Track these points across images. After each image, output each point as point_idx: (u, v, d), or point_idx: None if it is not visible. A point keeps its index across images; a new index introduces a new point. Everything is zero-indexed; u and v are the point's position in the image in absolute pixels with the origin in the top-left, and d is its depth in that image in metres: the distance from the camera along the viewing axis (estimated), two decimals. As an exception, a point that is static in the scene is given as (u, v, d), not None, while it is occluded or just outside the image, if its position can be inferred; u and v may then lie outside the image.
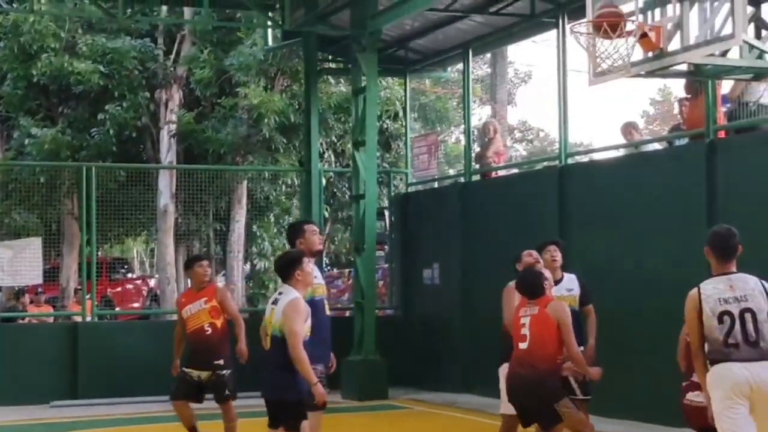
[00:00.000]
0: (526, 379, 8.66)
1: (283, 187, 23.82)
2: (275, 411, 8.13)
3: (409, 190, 19.88)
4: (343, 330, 16.98)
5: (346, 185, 23.78)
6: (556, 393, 8.68)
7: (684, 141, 13.73)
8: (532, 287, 8.95)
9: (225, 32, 23.43)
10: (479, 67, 41.41)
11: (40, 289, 20.95)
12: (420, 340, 17.92)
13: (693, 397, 7.73)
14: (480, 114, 39.05)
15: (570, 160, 15.45)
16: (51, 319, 20.01)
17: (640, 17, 9.46)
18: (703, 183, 12.33)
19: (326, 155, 24.13)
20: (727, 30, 8.91)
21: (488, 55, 32.49)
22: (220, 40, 23.56)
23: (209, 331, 10.53)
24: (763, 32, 9.80)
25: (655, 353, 11.82)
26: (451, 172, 28.95)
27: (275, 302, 8.12)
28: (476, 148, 18.35)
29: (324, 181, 20.32)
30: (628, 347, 12.76)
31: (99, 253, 23.56)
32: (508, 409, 9.52)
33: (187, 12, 22.63)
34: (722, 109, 12.80)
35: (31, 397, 15.83)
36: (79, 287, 20.62)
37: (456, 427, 14.09)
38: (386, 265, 21.34)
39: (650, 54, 9.44)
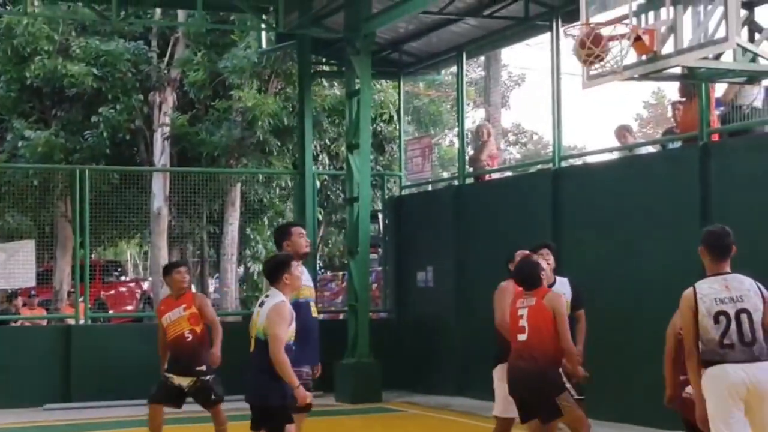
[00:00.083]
0: (526, 372, 8.63)
1: (277, 189, 23.79)
2: (258, 415, 8.09)
3: (403, 193, 19.89)
4: (337, 333, 17.00)
5: (340, 188, 23.76)
6: (558, 385, 8.66)
7: (677, 144, 13.75)
8: (530, 278, 8.94)
9: (219, 35, 23.40)
10: (473, 70, 41.40)
11: (33, 292, 20.91)
12: (414, 343, 17.91)
13: (691, 390, 7.70)
14: (474, 117, 39.07)
15: (564, 163, 15.46)
16: (44, 322, 19.97)
17: (634, 20, 9.48)
18: (696, 186, 12.34)
19: (320, 158, 24.12)
20: (721, 33, 8.94)
21: (482, 58, 32.48)
22: (214, 42, 23.53)
23: (190, 338, 10.47)
24: (757, 35, 9.83)
25: (648, 355, 11.80)
26: (445, 175, 28.95)
27: (261, 304, 8.09)
28: (470, 151, 18.37)
29: (318, 184, 20.32)
30: (622, 349, 12.77)
31: (92, 255, 23.51)
32: (502, 411, 9.52)
33: (181, 14, 22.61)
34: (716, 113, 12.82)
35: (24, 400, 15.81)
36: (72, 290, 20.57)
37: (449, 430, 14.09)
38: (380, 268, 21.34)
39: (644, 57, 9.46)
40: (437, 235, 17.67)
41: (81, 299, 17.26)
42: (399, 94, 20.85)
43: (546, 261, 9.72)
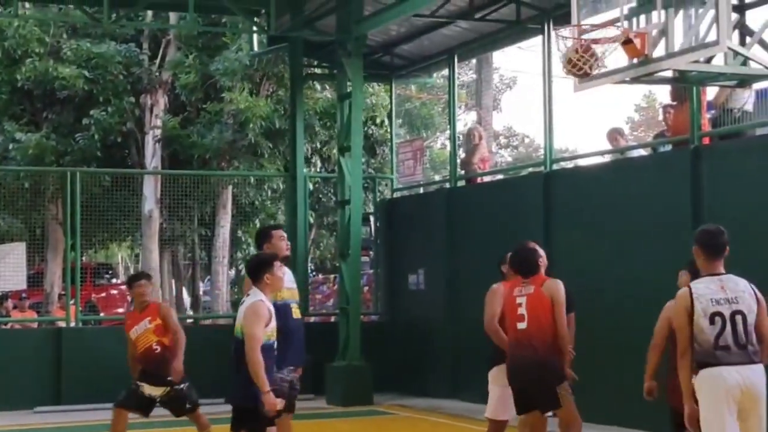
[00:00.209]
0: (526, 360, 8.58)
1: (269, 192, 23.80)
2: (237, 415, 8.06)
3: (395, 195, 19.88)
4: (329, 336, 17.00)
5: (332, 191, 23.77)
6: (558, 375, 8.61)
7: (669, 147, 13.76)
8: (526, 263, 8.88)
9: (210, 37, 23.41)
10: (465, 72, 41.42)
11: (24, 295, 20.89)
12: (405, 346, 17.91)
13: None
14: (465, 120, 39.05)
15: (555, 166, 15.46)
16: (35, 325, 19.93)
17: (626, 23, 9.49)
18: (687, 189, 12.36)
19: (313, 160, 24.12)
20: (712, 37, 8.96)
21: (474, 61, 32.52)
22: (206, 45, 23.54)
23: (158, 349, 10.38)
24: (748, 39, 9.84)
25: (640, 358, 11.81)
26: (437, 177, 28.93)
27: (242, 303, 8.11)
28: (461, 154, 18.37)
29: (311, 186, 20.31)
30: (612, 352, 12.77)
31: (83, 258, 23.46)
32: (495, 413, 9.49)
33: (173, 17, 22.59)
34: (707, 116, 12.84)
35: (14, 403, 15.76)
36: (63, 292, 20.56)
37: (441, 432, 14.10)
38: (371, 271, 21.33)
39: (635, 60, 9.47)
40: (429, 237, 17.67)
41: (72, 302, 17.23)
42: (390, 96, 20.83)
43: None
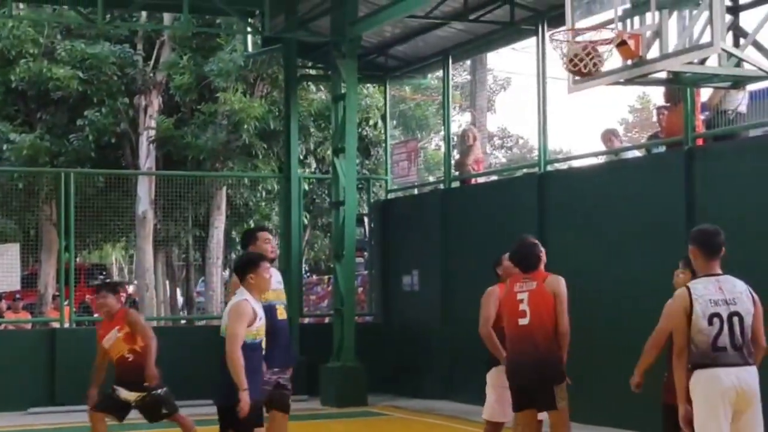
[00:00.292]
0: (527, 358, 8.52)
1: (263, 193, 23.80)
2: (221, 415, 8.06)
3: (389, 196, 19.89)
4: (323, 337, 17.01)
5: (326, 192, 23.77)
6: (558, 374, 8.55)
7: (662, 148, 13.78)
8: (527, 258, 8.82)
9: (205, 38, 23.40)
10: (459, 74, 41.46)
11: (17, 296, 20.84)
12: (399, 347, 17.91)
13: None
14: (459, 121, 39.14)
15: (549, 167, 15.47)
16: (29, 326, 19.91)
17: (620, 25, 9.50)
18: (681, 190, 12.37)
19: (308, 161, 24.12)
20: (706, 38, 8.96)
21: (468, 62, 32.54)
22: (200, 46, 23.53)
23: (131, 357, 10.29)
24: (742, 40, 9.85)
25: (635, 358, 11.83)
26: (431, 178, 28.98)
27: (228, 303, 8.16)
28: (456, 154, 18.38)
29: (306, 187, 20.30)
30: (606, 352, 12.78)
31: (77, 259, 23.47)
32: (493, 415, 9.46)
33: (167, 18, 22.58)
34: (701, 117, 12.85)
35: (8, 404, 15.73)
36: (57, 293, 20.53)
37: (435, 433, 14.10)
38: (366, 272, 21.32)
39: (629, 62, 9.48)
40: (423, 238, 17.67)
41: (66, 303, 17.21)
42: (385, 98, 20.85)
43: None
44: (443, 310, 16.92)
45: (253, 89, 23.31)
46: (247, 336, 7.91)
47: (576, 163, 16.67)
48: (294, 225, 18.28)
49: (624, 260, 13.09)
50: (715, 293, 6.90)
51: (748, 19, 10.09)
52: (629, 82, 9.86)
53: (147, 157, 23.83)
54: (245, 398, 7.75)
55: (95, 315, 25.27)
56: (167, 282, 27.34)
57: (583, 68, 9.29)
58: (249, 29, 19.19)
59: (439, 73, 20.23)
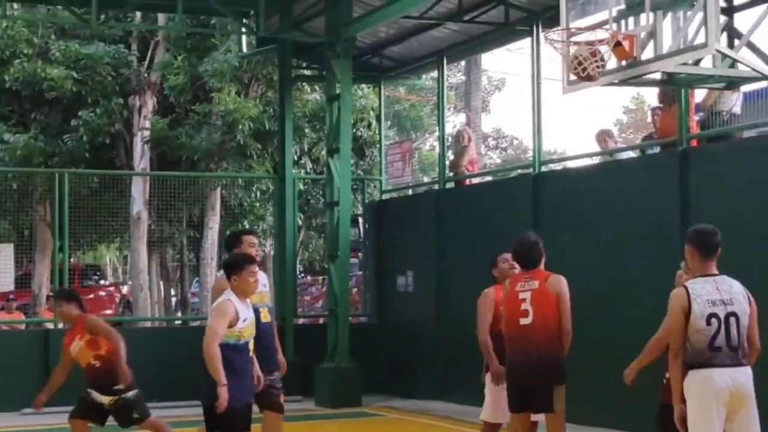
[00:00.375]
0: (527, 358, 8.46)
1: (257, 193, 23.78)
2: (207, 416, 8.05)
3: (384, 197, 19.88)
4: (317, 337, 17.00)
5: (321, 192, 23.76)
6: (559, 375, 8.50)
7: (657, 149, 13.79)
8: (529, 255, 8.76)
9: (199, 38, 23.38)
10: (454, 74, 41.39)
11: (11, 296, 20.82)
12: (394, 348, 17.91)
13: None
14: (454, 121, 39.03)
15: (544, 168, 15.48)
16: (23, 326, 19.87)
17: (614, 26, 9.51)
18: (675, 191, 12.38)
19: (303, 161, 24.11)
20: (700, 39, 8.97)
21: (463, 63, 32.54)
22: (195, 46, 23.51)
23: (98, 363, 10.13)
24: (736, 41, 9.86)
25: (629, 359, 11.83)
26: (426, 179, 28.91)
27: None
28: (450, 155, 18.38)
29: (301, 187, 20.28)
30: (600, 353, 12.78)
31: (71, 259, 23.43)
32: (491, 416, 9.43)
33: (161, 18, 22.55)
34: (695, 118, 12.86)
35: (1, 405, 15.71)
36: (51, 294, 20.49)
37: (430, 434, 14.10)
38: (360, 273, 21.32)
39: (624, 63, 9.48)
40: (417, 239, 17.67)
41: (60, 303, 17.15)
42: (379, 98, 20.85)
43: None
44: (438, 310, 16.92)
45: (247, 90, 23.30)
46: (230, 336, 7.92)
47: (570, 164, 16.68)
48: (288, 225, 18.27)
49: (618, 261, 13.10)
50: (713, 293, 6.90)
51: (742, 20, 10.11)
52: (624, 83, 9.88)
53: (141, 158, 23.80)
54: (223, 394, 7.74)
55: (89, 315, 25.32)
56: (161, 283, 27.33)
57: (591, 70, 9.27)
58: (243, 30, 19.19)
59: (434, 73, 20.22)
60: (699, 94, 12.86)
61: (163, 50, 23.95)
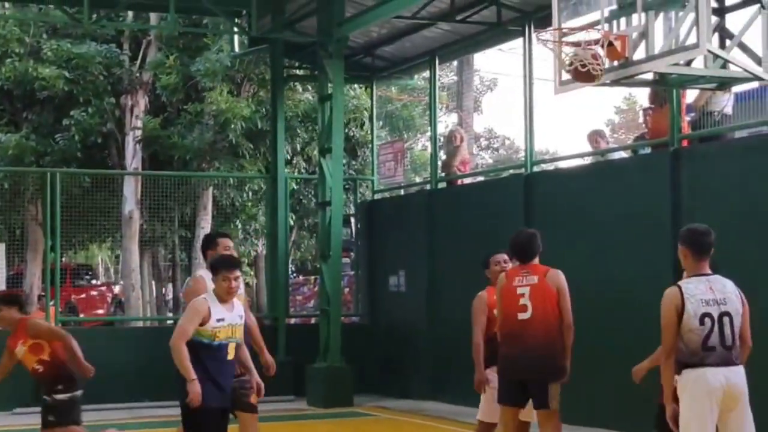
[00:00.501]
0: (526, 351, 8.42)
1: (250, 193, 23.77)
2: (182, 416, 8.02)
3: (376, 197, 19.89)
4: (309, 337, 17.00)
5: (313, 192, 23.76)
6: (556, 371, 8.48)
7: (648, 150, 13.81)
8: (526, 248, 8.73)
9: (191, 38, 23.36)
10: (445, 74, 41.42)
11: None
12: (386, 348, 17.92)
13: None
14: (446, 121, 39.08)
15: (536, 168, 15.49)
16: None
17: (606, 26, 9.52)
18: (667, 191, 12.41)
19: (295, 161, 24.11)
20: (692, 39, 8.98)
21: (455, 63, 32.55)
22: (187, 45, 23.49)
23: (41, 368, 9.95)
24: (727, 42, 9.87)
25: (621, 358, 11.86)
26: (418, 179, 28.93)
27: None
28: (442, 155, 18.39)
29: (293, 187, 20.26)
30: (593, 353, 12.79)
31: (63, 259, 23.39)
32: (487, 416, 9.42)
33: (153, 17, 22.53)
34: (686, 119, 12.89)
35: (-7, 404, 15.70)
36: (42, 293, 20.47)
37: (421, 434, 14.11)
38: (352, 272, 21.33)
39: (615, 63, 9.50)
40: (409, 239, 17.68)
41: (51, 303, 17.15)
42: (371, 98, 20.86)
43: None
44: (430, 310, 16.93)
45: (239, 89, 23.29)
46: (202, 335, 7.87)
47: (562, 164, 16.69)
48: (280, 225, 18.27)
49: (610, 261, 13.11)
50: (706, 293, 6.91)
51: (734, 21, 10.12)
52: (615, 83, 9.88)
53: (133, 157, 23.78)
54: (194, 388, 7.70)
55: (81, 315, 25.33)
56: (153, 282, 27.29)
57: (592, 71, 9.26)
58: (236, 29, 19.18)
59: (426, 73, 20.22)
60: (690, 95, 12.88)
61: (155, 50, 23.93)
